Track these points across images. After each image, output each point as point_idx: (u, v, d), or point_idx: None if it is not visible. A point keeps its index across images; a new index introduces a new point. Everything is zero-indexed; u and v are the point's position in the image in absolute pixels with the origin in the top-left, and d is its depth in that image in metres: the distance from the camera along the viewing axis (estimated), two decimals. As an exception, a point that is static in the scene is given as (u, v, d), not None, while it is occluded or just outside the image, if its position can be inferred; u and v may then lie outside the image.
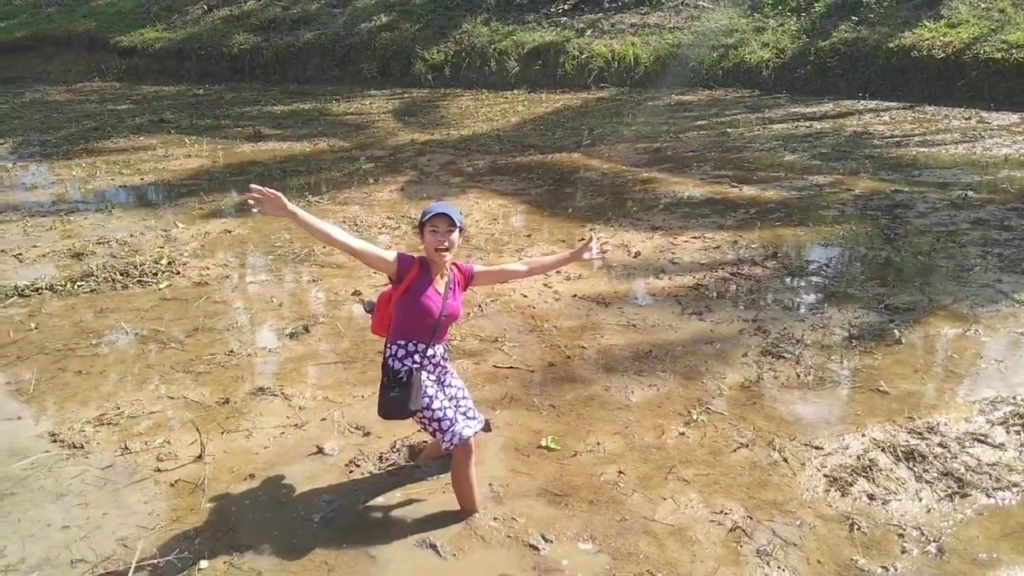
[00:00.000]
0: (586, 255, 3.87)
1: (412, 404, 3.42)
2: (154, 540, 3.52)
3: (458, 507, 3.69)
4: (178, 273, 7.06)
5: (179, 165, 12.02)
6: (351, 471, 4.03)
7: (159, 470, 4.07)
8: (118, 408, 4.69)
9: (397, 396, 3.42)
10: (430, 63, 20.89)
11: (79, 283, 6.76)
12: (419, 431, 4.17)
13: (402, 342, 3.53)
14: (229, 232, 8.37)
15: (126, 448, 4.26)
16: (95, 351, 5.53)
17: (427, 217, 3.46)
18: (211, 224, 8.71)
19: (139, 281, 6.84)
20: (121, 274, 6.94)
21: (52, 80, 24.15)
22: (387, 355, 3.56)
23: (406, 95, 19.49)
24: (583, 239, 3.91)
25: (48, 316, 6.13)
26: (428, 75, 20.77)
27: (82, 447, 4.28)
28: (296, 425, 4.48)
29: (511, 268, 3.97)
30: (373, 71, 21.60)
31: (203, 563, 3.37)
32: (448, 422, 3.51)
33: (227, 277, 7.01)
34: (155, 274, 6.98)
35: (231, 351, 5.48)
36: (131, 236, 8.23)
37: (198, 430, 4.27)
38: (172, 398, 4.83)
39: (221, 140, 13.97)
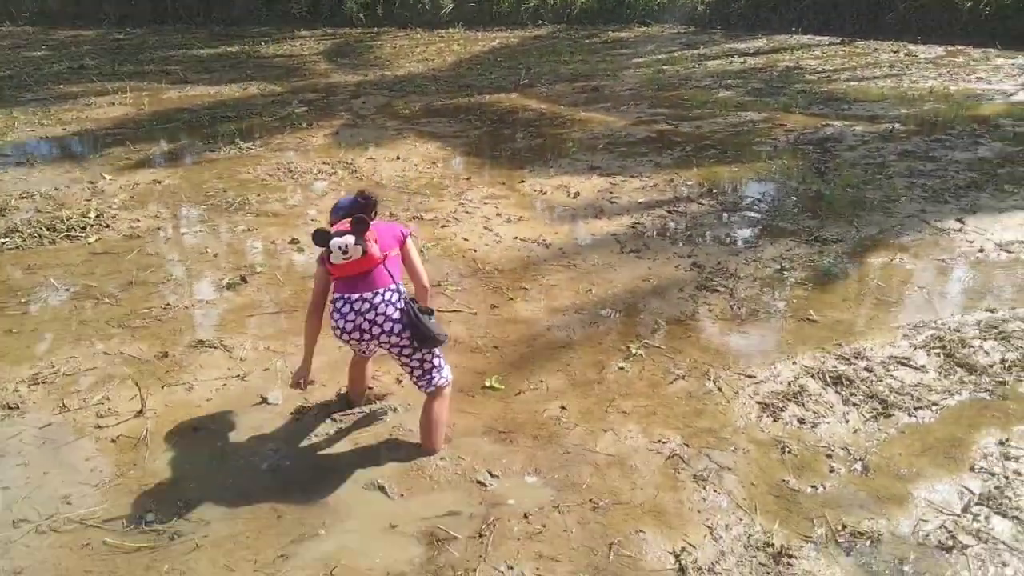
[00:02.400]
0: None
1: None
2: (98, 496, 3.50)
3: (405, 448, 3.76)
4: (107, 226, 6.85)
5: (103, 114, 11.54)
6: (296, 419, 4.04)
7: (99, 427, 4.02)
8: (53, 366, 4.59)
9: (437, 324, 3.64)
10: (361, 1, 20.29)
11: (3, 240, 6.50)
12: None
13: (399, 282, 3.71)
14: (159, 183, 8.12)
15: (64, 406, 4.19)
16: (25, 309, 5.37)
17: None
18: (140, 174, 8.43)
19: (67, 236, 6.62)
20: (47, 229, 6.70)
21: (-43, 25, 22.75)
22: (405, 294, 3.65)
23: (338, 35, 18.96)
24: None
25: (-29, 275, 5.91)
26: (360, 14, 20.23)
27: (17, 407, 4.19)
28: (238, 376, 4.45)
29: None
30: (302, 10, 20.95)
31: (149, 515, 3.36)
32: (442, 358, 3.74)
33: (159, 229, 6.83)
34: (83, 228, 6.75)
35: (167, 304, 5.38)
36: (56, 189, 7.92)
37: (137, 385, 4.22)
38: (108, 354, 4.74)
39: (146, 86, 13.43)
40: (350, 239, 3.51)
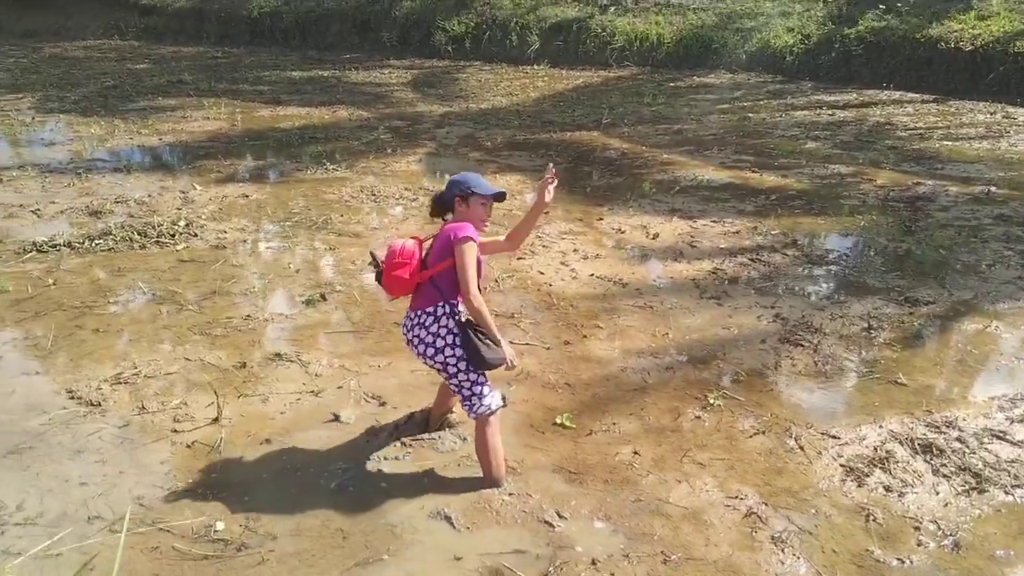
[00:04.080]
0: (546, 197, 3.65)
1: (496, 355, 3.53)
2: (171, 500, 3.54)
3: (472, 479, 3.70)
4: (195, 235, 7.05)
5: (197, 127, 11.98)
6: (367, 440, 4.03)
7: (176, 431, 4.08)
8: (135, 368, 4.70)
9: (493, 348, 3.52)
10: (451, 34, 20.72)
11: (97, 241, 6.76)
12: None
13: (454, 302, 3.59)
14: (247, 196, 8.35)
15: (143, 408, 4.28)
16: (112, 310, 5.54)
17: (485, 193, 3.60)
18: (228, 188, 8.69)
19: (157, 242, 6.84)
20: (139, 234, 6.94)
21: (70, 36, 24.12)
22: (453, 313, 3.57)
23: (425, 65, 19.37)
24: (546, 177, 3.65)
25: (66, 273, 6.14)
26: (448, 46, 20.61)
27: (99, 405, 4.30)
28: (312, 392, 4.48)
29: (500, 240, 3.92)
30: (393, 40, 21.46)
31: (219, 524, 3.39)
32: (488, 387, 3.61)
33: (244, 241, 7.00)
34: (173, 235, 6.97)
35: (248, 315, 5.48)
36: (149, 196, 8.23)
37: (215, 393, 4.28)
38: (189, 360, 4.84)
39: (239, 103, 13.92)
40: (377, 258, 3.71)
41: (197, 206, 7.95)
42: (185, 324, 5.33)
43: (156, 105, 13.62)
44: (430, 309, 3.56)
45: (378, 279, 3.68)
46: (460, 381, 3.56)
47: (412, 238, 3.68)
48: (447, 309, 3.55)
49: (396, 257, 3.56)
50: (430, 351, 3.53)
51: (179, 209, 7.78)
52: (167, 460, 3.85)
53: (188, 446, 3.96)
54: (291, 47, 22.40)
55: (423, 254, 3.63)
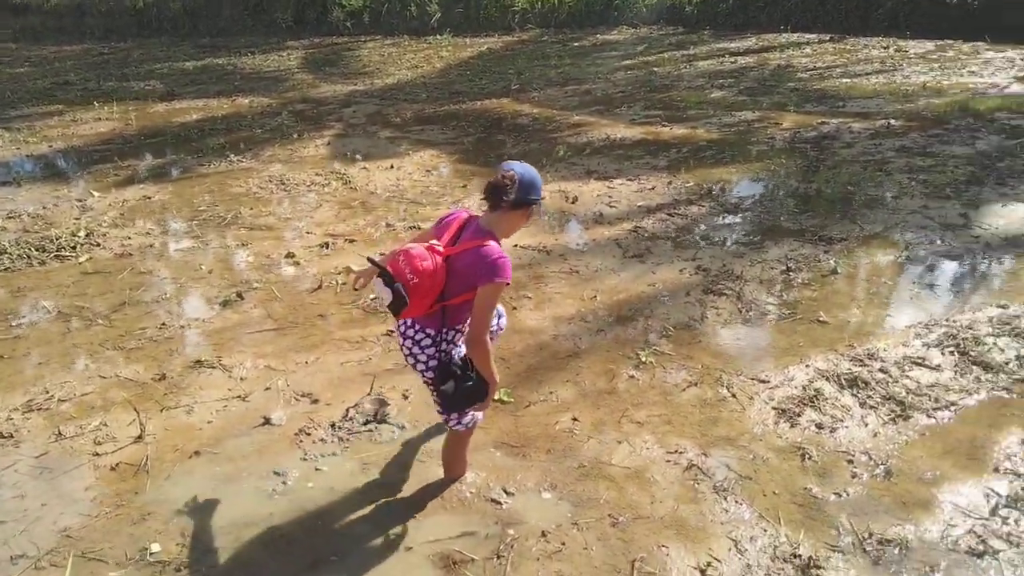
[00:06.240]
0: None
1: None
2: (99, 527, 3.38)
3: (415, 467, 3.64)
4: (98, 245, 6.70)
5: (89, 130, 11.37)
6: (301, 440, 3.92)
7: (97, 454, 3.88)
8: (47, 392, 4.45)
9: (476, 386, 3.07)
10: (348, 9, 20.22)
11: (-9, 262, 6.35)
12: (368, 395, 4.10)
13: (457, 328, 3.16)
14: (148, 199, 7.98)
15: (60, 434, 4.05)
16: (16, 333, 5.22)
17: (540, 198, 3.12)
18: (129, 191, 8.28)
19: (57, 256, 6.47)
20: (37, 249, 6.55)
21: (-62, 44, 22.52)
22: (446, 341, 3.16)
23: (325, 44, 18.85)
24: None
25: (-40, 299, 5.76)
26: (346, 22, 20.12)
27: (12, 436, 4.05)
28: (239, 396, 4.33)
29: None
30: (288, 20, 20.83)
31: (154, 546, 3.24)
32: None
33: (151, 246, 6.69)
34: (74, 247, 6.60)
35: (162, 324, 5.24)
36: (44, 208, 7.77)
37: (135, 409, 4.10)
38: (104, 377, 4.60)
39: (132, 101, 13.27)
40: (378, 287, 2.98)
41: (96, 214, 7.55)
42: (96, 340, 5.07)
43: (42, 110, 12.86)
44: (430, 331, 3.12)
45: (396, 306, 2.96)
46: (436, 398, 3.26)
47: (432, 253, 2.99)
48: (448, 336, 3.16)
49: (422, 287, 2.93)
50: (420, 366, 3.18)
51: (77, 219, 7.38)
52: (92, 486, 3.66)
53: (112, 468, 3.77)
54: (181, 36, 21.47)
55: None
